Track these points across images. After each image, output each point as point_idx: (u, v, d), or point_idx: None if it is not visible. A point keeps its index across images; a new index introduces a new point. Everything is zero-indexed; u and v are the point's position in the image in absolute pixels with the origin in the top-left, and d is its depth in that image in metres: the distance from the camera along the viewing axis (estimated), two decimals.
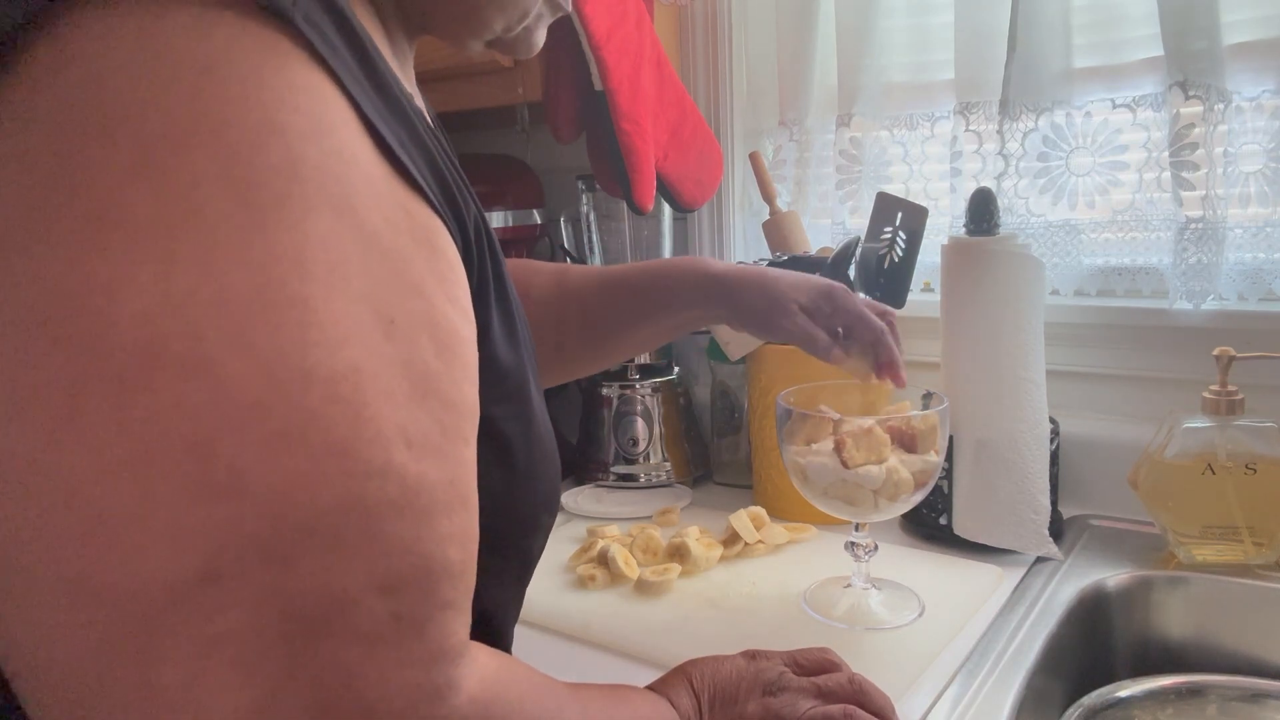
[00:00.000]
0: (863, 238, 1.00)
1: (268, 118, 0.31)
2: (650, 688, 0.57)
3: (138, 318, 0.29)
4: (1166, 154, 0.92)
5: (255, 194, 0.31)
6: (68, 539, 0.29)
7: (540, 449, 0.48)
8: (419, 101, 0.50)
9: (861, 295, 0.97)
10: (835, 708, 0.57)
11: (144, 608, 0.29)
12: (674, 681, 0.57)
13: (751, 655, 0.61)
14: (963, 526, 0.89)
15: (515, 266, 0.81)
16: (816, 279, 0.78)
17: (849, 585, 0.81)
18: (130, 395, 0.29)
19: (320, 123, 0.33)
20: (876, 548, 0.80)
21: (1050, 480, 0.86)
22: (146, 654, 0.29)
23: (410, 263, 0.35)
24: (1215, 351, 0.82)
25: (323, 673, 0.32)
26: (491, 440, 0.42)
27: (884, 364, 0.76)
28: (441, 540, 0.34)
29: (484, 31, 0.49)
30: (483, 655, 0.40)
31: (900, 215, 0.95)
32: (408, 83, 0.48)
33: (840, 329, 0.77)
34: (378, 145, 0.35)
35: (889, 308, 0.78)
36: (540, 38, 0.52)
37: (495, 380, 0.42)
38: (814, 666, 0.61)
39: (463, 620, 0.37)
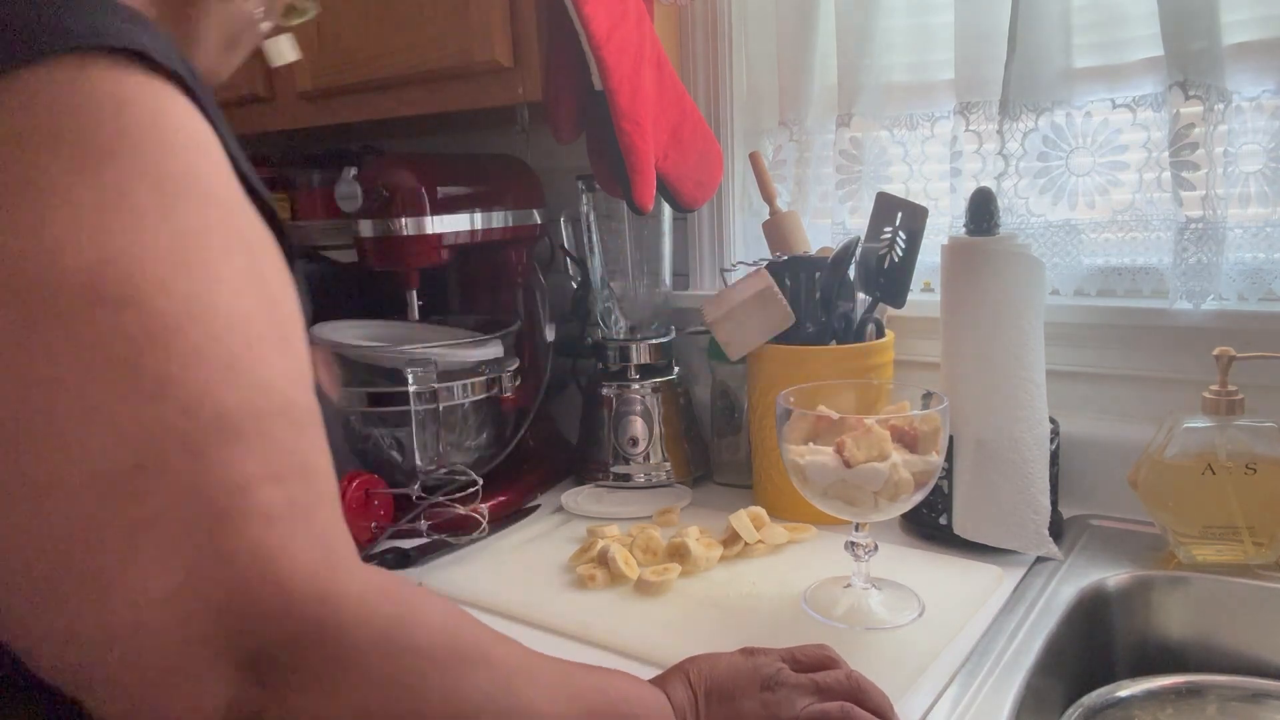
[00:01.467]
0: (863, 238, 1.00)
1: (171, 138, 0.42)
2: (649, 682, 0.57)
3: (81, 269, 0.37)
4: (1166, 154, 0.92)
5: (167, 189, 0.40)
6: (30, 439, 0.36)
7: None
8: None
9: (859, 295, 0.97)
10: (833, 705, 0.57)
11: (90, 497, 0.36)
12: (671, 677, 0.58)
13: (749, 652, 0.61)
14: (963, 526, 0.89)
15: None
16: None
17: (849, 585, 0.81)
18: (77, 325, 0.37)
19: (203, 142, 0.44)
20: (876, 548, 0.80)
21: (1050, 480, 0.86)
22: (92, 540, 0.36)
23: (267, 254, 0.45)
24: (1215, 351, 0.82)
25: (233, 550, 0.37)
26: None
27: None
28: (312, 447, 0.43)
29: (197, 52, 0.57)
30: (370, 568, 0.45)
31: (900, 215, 0.95)
32: None
33: None
34: (231, 161, 0.46)
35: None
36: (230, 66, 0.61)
37: None
38: (812, 663, 0.61)
39: (339, 524, 0.43)
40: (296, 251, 0.53)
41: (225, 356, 0.39)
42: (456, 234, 1.10)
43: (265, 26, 0.61)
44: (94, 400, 0.36)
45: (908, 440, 0.76)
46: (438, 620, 0.44)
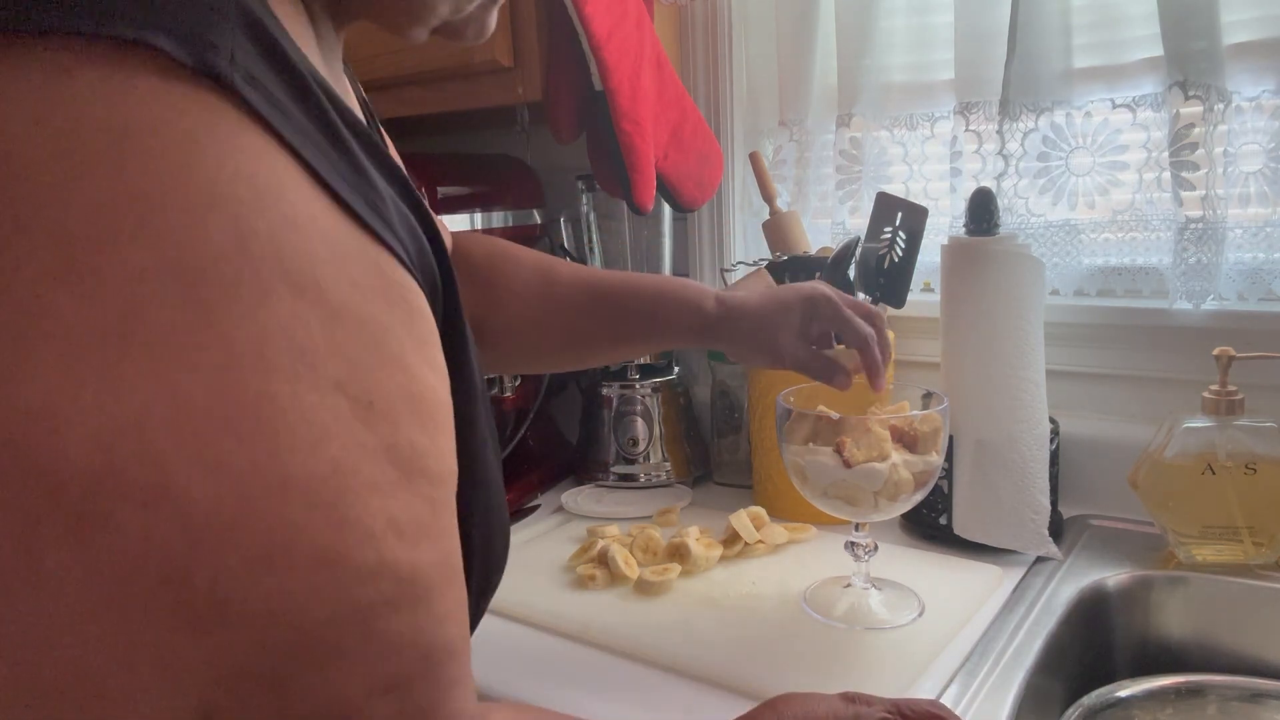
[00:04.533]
0: (863, 238, 0.99)
1: (205, 191, 0.27)
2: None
3: (87, 445, 0.26)
4: (1166, 154, 0.92)
5: (201, 284, 0.27)
6: (51, 697, 0.26)
7: (485, 514, 0.44)
8: (354, 102, 0.46)
9: (859, 295, 0.97)
10: None
11: None
12: (763, 715, 0.51)
13: (851, 699, 0.53)
14: (963, 526, 0.89)
15: (496, 253, 0.80)
16: (799, 293, 0.76)
17: (849, 585, 0.81)
18: (92, 532, 0.26)
19: (266, 187, 0.29)
20: (876, 548, 0.80)
21: (1050, 480, 0.86)
22: None
23: (387, 331, 0.32)
24: (1215, 351, 0.82)
25: None
26: None
27: (867, 367, 0.75)
28: (440, 621, 0.33)
29: (429, 16, 0.44)
30: (498, 715, 0.39)
31: (900, 215, 0.95)
32: (338, 84, 0.44)
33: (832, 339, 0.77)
34: (335, 201, 0.31)
35: (875, 309, 0.77)
36: (493, 20, 0.48)
37: None
38: (919, 718, 0.54)
39: (469, 692, 0.35)
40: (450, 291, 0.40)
41: (306, 551, 0.28)
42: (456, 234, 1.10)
43: None
44: (132, 640, 0.27)
45: (908, 440, 0.76)
46: None
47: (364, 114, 0.51)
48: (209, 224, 0.27)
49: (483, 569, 0.44)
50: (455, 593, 0.34)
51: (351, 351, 0.30)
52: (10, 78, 0.26)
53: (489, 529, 0.44)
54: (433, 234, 0.38)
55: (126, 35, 0.27)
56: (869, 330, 0.75)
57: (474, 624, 0.46)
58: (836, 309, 0.75)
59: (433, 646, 0.32)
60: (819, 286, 0.76)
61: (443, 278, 0.38)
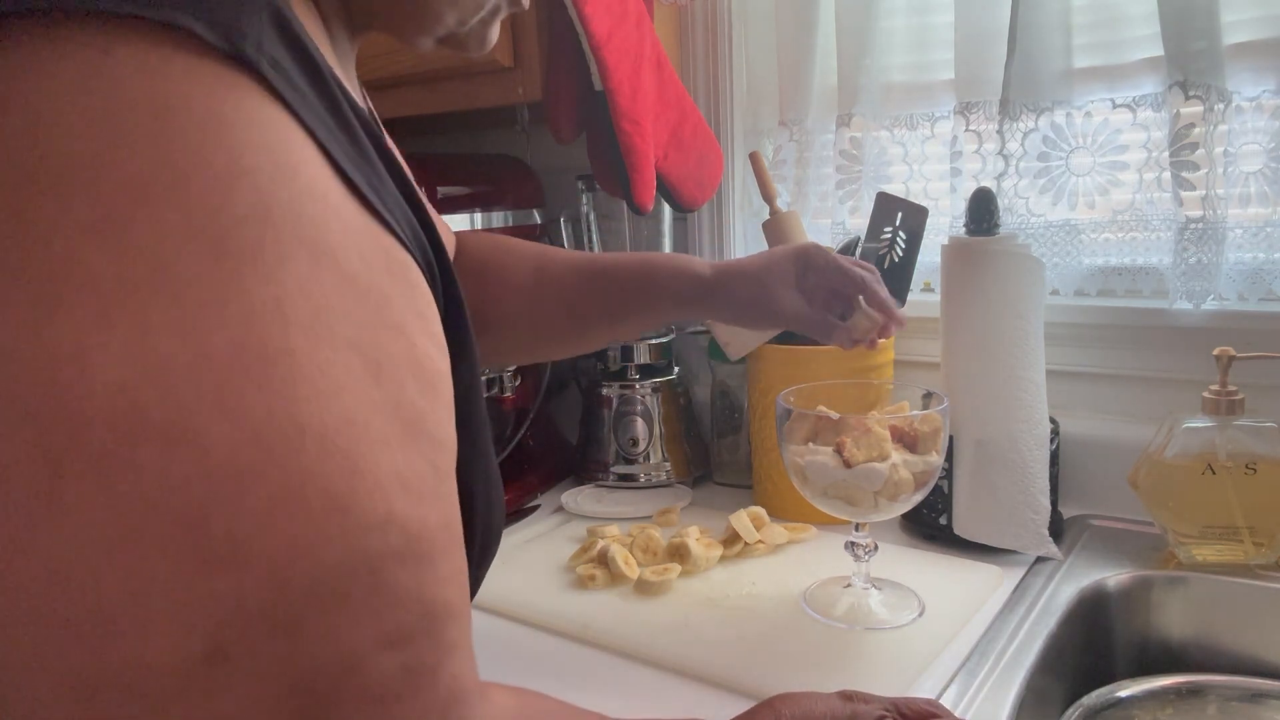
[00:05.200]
0: (863, 238, 1.00)
1: (232, 161, 0.29)
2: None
3: (113, 387, 0.27)
4: (1166, 154, 0.92)
5: (227, 245, 0.29)
6: (63, 630, 0.27)
7: (485, 482, 0.46)
8: (364, 106, 0.48)
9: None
10: None
11: (151, 696, 0.28)
12: (761, 714, 0.52)
13: (848, 697, 0.55)
14: (963, 526, 0.89)
15: (490, 246, 0.81)
16: (790, 249, 0.78)
17: (849, 585, 0.81)
18: (113, 471, 0.27)
19: (287, 162, 0.31)
20: (876, 548, 0.80)
21: (1050, 480, 0.86)
22: None
23: (390, 301, 0.34)
24: (1215, 351, 0.82)
25: None
26: None
27: (875, 305, 0.76)
28: (442, 583, 0.34)
29: (436, 27, 0.46)
30: (499, 695, 0.39)
31: (900, 215, 0.95)
32: (351, 86, 0.46)
33: (830, 292, 0.78)
34: (344, 182, 0.34)
35: (869, 264, 0.78)
36: (494, 34, 0.51)
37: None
38: (916, 716, 0.55)
39: (470, 660, 0.36)
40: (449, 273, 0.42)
41: (319, 497, 0.29)
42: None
43: None
44: (147, 576, 0.27)
45: (908, 440, 0.76)
46: None
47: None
48: (235, 191, 0.29)
49: (483, 536, 0.46)
50: (456, 557, 0.35)
51: (361, 316, 0.32)
52: (56, 53, 0.28)
53: (489, 498, 0.46)
54: (427, 224, 0.40)
55: (164, 19, 0.29)
56: (865, 272, 0.76)
57: (472, 593, 0.48)
58: (829, 256, 0.76)
59: (435, 604, 0.33)
60: (809, 242, 0.78)
61: (439, 264, 0.40)
